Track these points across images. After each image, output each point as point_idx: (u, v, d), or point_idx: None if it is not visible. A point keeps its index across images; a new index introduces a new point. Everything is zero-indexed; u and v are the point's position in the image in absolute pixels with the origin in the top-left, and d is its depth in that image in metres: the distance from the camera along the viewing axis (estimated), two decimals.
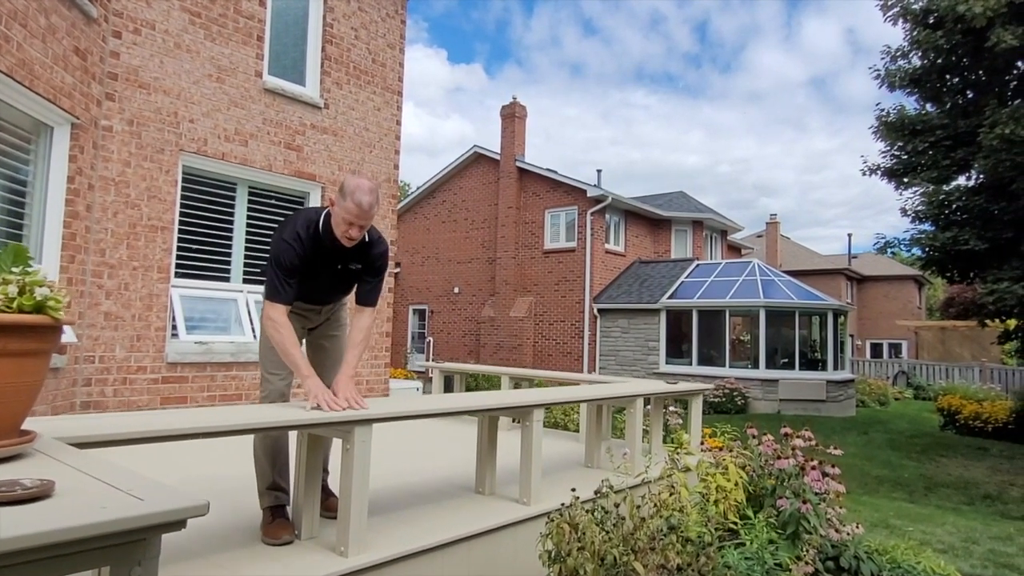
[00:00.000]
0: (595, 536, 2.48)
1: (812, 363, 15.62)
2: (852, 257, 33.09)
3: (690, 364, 15.87)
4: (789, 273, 19.41)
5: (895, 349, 30.67)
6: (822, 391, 14.71)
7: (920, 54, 10.71)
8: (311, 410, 2.50)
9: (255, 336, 6.33)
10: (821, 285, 22.55)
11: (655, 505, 3.25)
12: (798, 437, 3.90)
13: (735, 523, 3.41)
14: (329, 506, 2.89)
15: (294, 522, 2.72)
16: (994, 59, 9.95)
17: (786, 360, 15.50)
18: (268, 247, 2.91)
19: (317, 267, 2.75)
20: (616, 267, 18.75)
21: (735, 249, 24.98)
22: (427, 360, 19.37)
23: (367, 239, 2.81)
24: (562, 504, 2.86)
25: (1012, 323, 10.28)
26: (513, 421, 5.31)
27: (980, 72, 10.49)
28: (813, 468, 3.43)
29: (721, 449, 4.30)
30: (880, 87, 11.16)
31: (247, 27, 6.40)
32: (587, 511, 2.79)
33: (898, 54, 11.15)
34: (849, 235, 32.55)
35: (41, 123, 4.78)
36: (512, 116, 19.30)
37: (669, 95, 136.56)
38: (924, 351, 25.96)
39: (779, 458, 3.52)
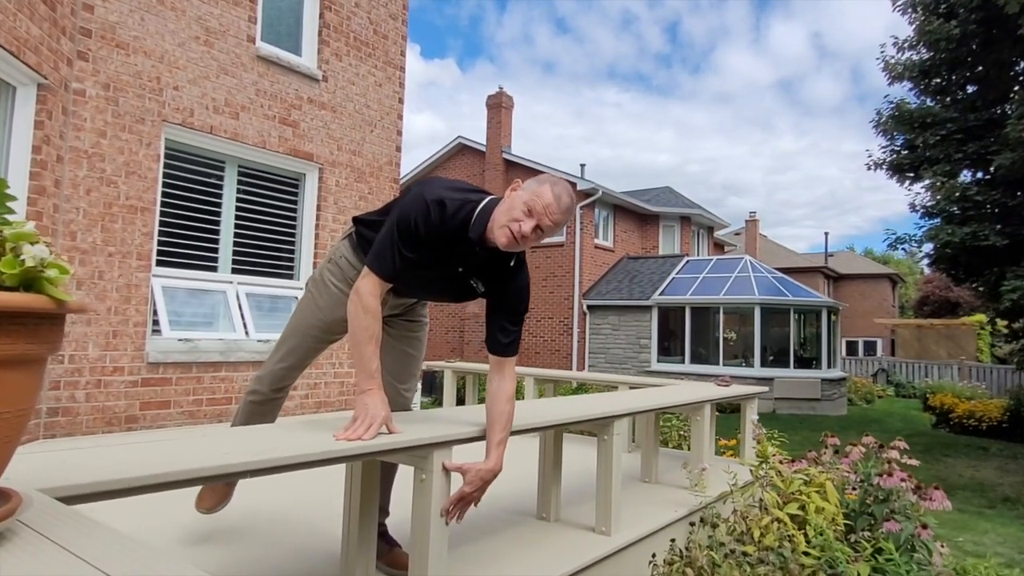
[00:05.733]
0: None
1: (806, 361, 15.39)
2: (828, 255, 33.36)
3: (683, 362, 15.51)
4: None
5: (870, 347, 30.96)
6: (817, 390, 14.49)
7: (929, 45, 10.46)
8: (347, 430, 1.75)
9: (247, 333, 5.65)
10: (800, 282, 22.44)
11: (760, 531, 2.75)
12: (892, 449, 3.43)
13: (842, 550, 2.93)
14: (393, 561, 2.20)
15: None
16: (1002, 52, 9.76)
17: (773, 357, 15.25)
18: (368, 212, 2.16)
19: (436, 256, 1.94)
20: (605, 263, 18.29)
21: (719, 246, 24.80)
22: None
23: (514, 260, 2.00)
24: (671, 540, 2.33)
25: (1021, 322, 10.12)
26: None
27: (989, 67, 10.29)
28: (936, 487, 2.96)
29: (794, 461, 3.84)
30: (889, 83, 10.89)
31: None
32: (707, 547, 2.26)
33: (905, 45, 10.90)
34: (826, 233, 32.84)
35: (2, 81, 4.05)
36: (499, 106, 18.67)
37: (640, 94, 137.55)
38: (901, 349, 26.17)
39: (888, 476, 3.04)
